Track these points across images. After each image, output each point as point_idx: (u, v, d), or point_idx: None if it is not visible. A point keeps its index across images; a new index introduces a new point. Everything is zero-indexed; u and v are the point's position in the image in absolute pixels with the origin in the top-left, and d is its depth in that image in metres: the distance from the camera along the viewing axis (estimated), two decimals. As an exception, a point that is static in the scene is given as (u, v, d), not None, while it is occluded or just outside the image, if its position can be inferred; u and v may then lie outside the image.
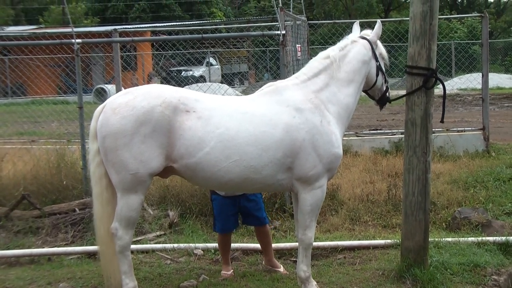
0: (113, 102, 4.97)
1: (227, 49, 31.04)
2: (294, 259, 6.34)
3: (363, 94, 5.70)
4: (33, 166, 8.40)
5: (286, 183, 5.12)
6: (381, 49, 5.58)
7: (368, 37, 5.50)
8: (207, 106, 4.98)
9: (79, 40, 8.37)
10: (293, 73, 9.04)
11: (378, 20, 5.66)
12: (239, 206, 5.99)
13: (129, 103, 4.86)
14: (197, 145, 4.83)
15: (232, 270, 6.05)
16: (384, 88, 5.61)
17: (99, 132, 4.92)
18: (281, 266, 6.17)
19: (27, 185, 8.02)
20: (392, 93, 6.02)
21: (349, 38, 5.51)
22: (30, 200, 7.57)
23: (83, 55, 8.85)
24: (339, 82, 5.28)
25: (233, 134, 4.88)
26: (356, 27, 5.71)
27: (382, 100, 5.68)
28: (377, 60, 5.46)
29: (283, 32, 8.19)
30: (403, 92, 5.74)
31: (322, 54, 5.42)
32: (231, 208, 5.97)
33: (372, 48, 5.43)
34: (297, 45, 10.47)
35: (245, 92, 21.37)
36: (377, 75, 5.48)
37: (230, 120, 4.93)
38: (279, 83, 5.38)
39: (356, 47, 5.41)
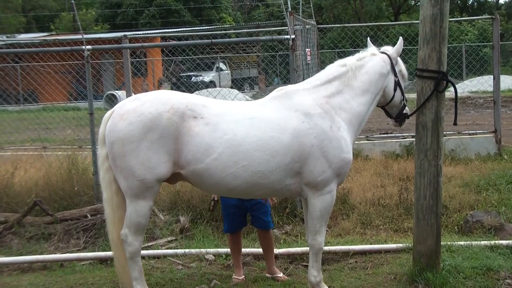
0: (121, 108, 4.99)
1: (236, 54, 31.09)
2: (306, 264, 6.33)
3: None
4: (45, 172, 8.45)
5: (295, 188, 5.11)
6: (402, 66, 5.55)
7: (388, 52, 5.48)
8: (214, 112, 4.98)
9: (89, 47, 8.41)
10: (303, 77, 9.10)
11: (400, 37, 5.61)
12: (246, 207, 5.99)
13: (136, 109, 4.87)
14: (205, 151, 4.83)
15: (243, 276, 6.04)
16: (402, 105, 5.57)
17: (107, 137, 4.94)
18: (280, 273, 6.11)
19: (39, 192, 8.07)
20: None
21: (369, 51, 5.50)
22: (42, 207, 7.60)
23: (93, 61, 8.88)
24: (353, 91, 5.26)
25: (241, 140, 4.88)
26: (370, 42, 5.69)
27: (400, 117, 5.62)
28: (396, 76, 5.43)
29: (293, 36, 8.19)
30: (413, 95, 5.71)
31: (339, 62, 5.41)
32: (237, 209, 5.98)
33: (392, 63, 5.41)
34: (307, 49, 10.47)
35: (255, 97, 21.36)
36: (394, 90, 5.45)
37: (237, 125, 4.93)
38: (289, 87, 5.37)
39: (375, 60, 5.39)
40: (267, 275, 6.10)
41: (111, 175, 5.01)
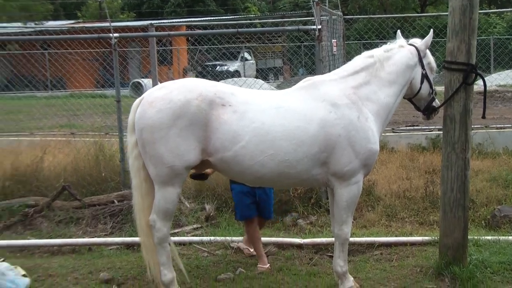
0: (150, 96, 5.03)
1: (262, 44, 31.03)
2: (330, 254, 6.33)
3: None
4: (73, 158, 8.58)
5: (321, 178, 5.12)
6: (430, 59, 5.50)
7: (416, 45, 5.45)
8: (242, 100, 5.00)
9: (116, 34, 8.47)
10: (329, 68, 9.07)
11: (431, 30, 5.57)
12: (256, 196, 6.14)
13: (165, 97, 4.91)
14: (233, 139, 4.86)
15: (269, 264, 6.09)
16: (430, 98, 5.52)
17: (137, 125, 4.99)
18: (251, 249, 6.39)
19: (67, 177, 8.21)
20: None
21: (397, 42, 5.48)
22: (71, 191, 7.72)
23: (120, 49, 8.94)
24: (380, 82, 5.24)
25: (268, 129, 4.90)
26: (399, 34, 5.66)
27: (428, 110, 5.58)
28: (423, 68, 5.39)
29: (319, 27, 8.16)
30: (441, 88, 5.67)
31: (366, 53, 5.40)
32: (249, 197, 6.12)
33: (419, 55, 5.38)
34: (333, 40, 10.42)
35: (279, 87, 21.34)
36: (421, 83, 5.41)
37: (264, 114, 4.95)
38: (316, 78, 5.38)
39: (403, 51, 5.37)
40: (244, 246, 6.48)
41: (140, 162, 5.06)
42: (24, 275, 5.43)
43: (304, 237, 6.88)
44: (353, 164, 5.02)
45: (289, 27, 13.44)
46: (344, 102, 5.07)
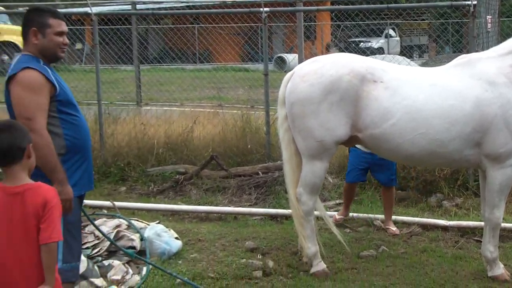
0: (302, 70, 5.09)
1: (407, 21, 30.09)
2: (477, 239, 6.11)
3: None
4: (221, 129, 8.88)
5: (474, 159, 4.94)
6: None
7: None
8: (394, 77, 4.92)
9: (266, 9, 8.60)
10: (483, 46, 8.64)
11: None
12: (372, 162, 6.28)
13: (317, 71, 4.94)
14: (383, 115, 4.81)
15: (396, 228, 6.34)
16: None
17: (287, 99, 5.06)
18: (394, 227, 6.42)
19: (215, 147, 8.52)
20: None
21: None
22: (218, 161, 8.03)
23: (269, 24, 9.09)
24: None
25: (420, 106, 4.79)
26: None
27: None
28: None
29: (475, 2, 7.78)
30: None
31: None
32: (362, 162, 6.32)
33: None
34: (488, 17, 9.92)
35: (424, 66, 20.65)
36: None
37: (417, 91, 4.85)
38: (473, 55, 5.18)
39: None
40: (384, 226, 6.48)
41: (290, 135, 5.15)
42: (176, 238, 5.75)
43: (450, 219, 6.67)
44: (509, 145, 4.80)
45: (442, 3, 12.91)
46: (502, 80, 4.84)
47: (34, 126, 3.54)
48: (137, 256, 4.95)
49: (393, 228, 6.38)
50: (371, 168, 6.45)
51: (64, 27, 3.91)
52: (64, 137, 3.76)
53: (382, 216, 6.70)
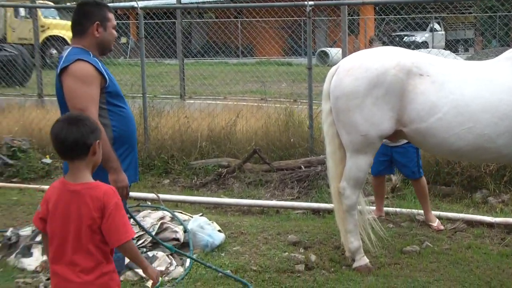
0: (347, 64, 5.06)
1: (453, 14, 29.57)
2: (525, 236, 6.01)
3: None
4: (264, 123, 8.90)
5: (522, 155, 4.84)
6: None
7: None
8: (441, 71, 4.85)
9: (311, 2, 8.55)
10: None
11: None
12: (391, 155, 6.31)
13: (362, 65, 4.91)
14: (429, 110, 4.75)
15: (438, 222, 6.26)
16: None
17: (332, 92, 5.04)
18: (437, 220, 6.30)
19: (258, 140, 8.55)
20: None
21: None
22: (261, 155, 8.05)
23: (313, 18, 9.05)
24: None
25: (468, 100, 4.71)
26: None
27: None
28: None
29: (527, -7, 7.60)
30: None
31: None
32: (381, 154, 6.15)
33: None
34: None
35: (470, 59, 20.27)
36: None
37: (465, 85, 4.77)
38: (523, 49, 5.05)
39: None
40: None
41: (334, 129, 5.13)
42: (219, 231, 5.80)
43: (496, 216, 6.55)
44: (558, 141, 4.67)
45: (488, -5, 12.66)
46: (551, 75, 4.72)
47: None
48: (177, 251, 5.00)
49: (434, 224, 6.28)
50: (394, 162, 6.41)
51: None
52: (112, 128, 3.84)
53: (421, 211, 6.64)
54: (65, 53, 3.84)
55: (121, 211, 3.02)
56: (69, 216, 2.98)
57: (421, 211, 6.62)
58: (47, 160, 8.76)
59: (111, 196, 3.01)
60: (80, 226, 2.98)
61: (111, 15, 3.92)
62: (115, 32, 3.98)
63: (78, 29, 3.89)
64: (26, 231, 5.65)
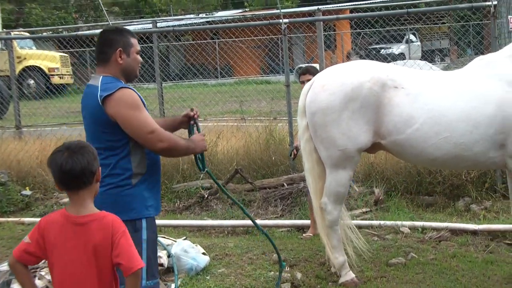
0: (322, 79, 5.08)
1: (427, 25, 29.89)
2: (508, 242, 6.04)
3: None
4: (245, 142, 8.88)
5: (499, 161, 4.88)
6: None
7: None
8: (415, 82, 4.90)
9: (286, 20, 8.63)
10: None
11: None
12: None
13: (337, 79, 4.94)
14: (406, 121, 4.78)
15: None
16: None
17: (308, 108, 5.05)
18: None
19: (239, 160, 8.53)
20: None
21: None
22: (243, 175, 8.02)
23: (288, 35, 9.11)
24: None
25: (443, 110, 4.76)
26: None
27: None
28: None
29: (495, 2, 7.72)
30: None
31: None
32: None
33: None
34: (509, 17, 9.80)
35: (446, 69, 20.49)
36: None
37: (439, 95, 4.81)
38: (490, 56, 5.12)
39: None
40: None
41: (311, 145, 5.14)
42: (203, 253, 5.75)
43: (479, 223, 6.58)
44: (533, 146, 4.71)
45: (462, 5, 12.87)
46: (521, 81, 4.77)
47: (161, 136, 3.60)
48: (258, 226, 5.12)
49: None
50: None
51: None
52: (146, 156, 3.76)
53: (409, 223, 6.64)
54: (95, 82, 3.70)
55: (129, 240, 2.92)
56: (74, 249, 2.88)
57: (405, 223, 6.63)
58: (27, 192, 8.64)
59: (119, 224, 2.94)
60: (88, 259, 2.87)
61: (134, 41, 3.83)
62: (139, 57, 3.89)
63: (101, 57, 3.78)
64: (5, 266, 5.52)
